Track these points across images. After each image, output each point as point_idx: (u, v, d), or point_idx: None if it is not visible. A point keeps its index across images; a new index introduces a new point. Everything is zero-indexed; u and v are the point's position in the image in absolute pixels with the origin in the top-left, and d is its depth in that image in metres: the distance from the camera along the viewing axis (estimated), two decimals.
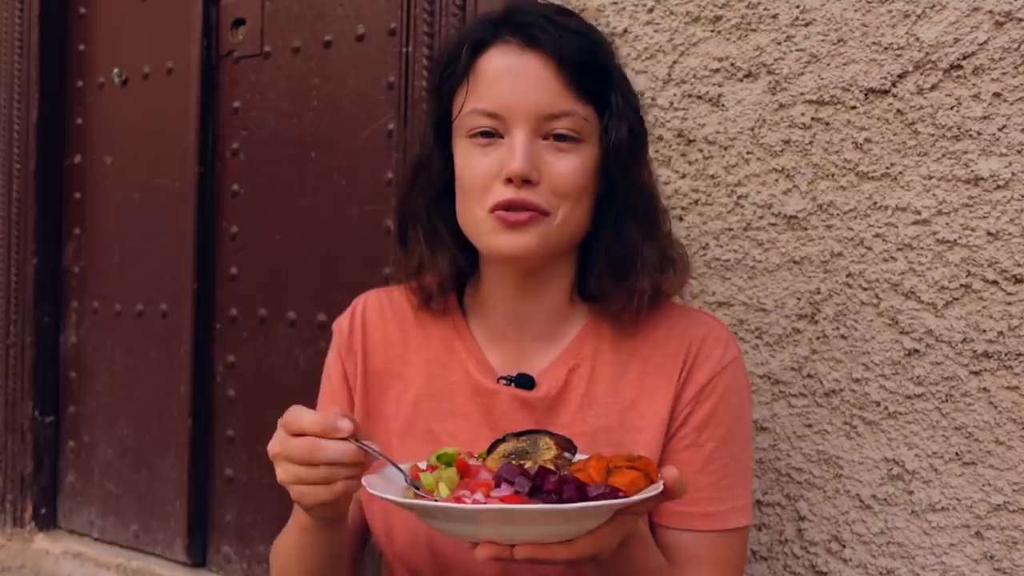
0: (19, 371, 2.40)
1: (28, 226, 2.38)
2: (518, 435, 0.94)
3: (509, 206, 1.00)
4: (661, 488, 0.84)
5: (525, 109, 1.01)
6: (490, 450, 0.94)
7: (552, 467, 0.87)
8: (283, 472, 0.90)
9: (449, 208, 1.10)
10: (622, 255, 1.08)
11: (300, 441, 0.88)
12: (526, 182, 1.00)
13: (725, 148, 1.41)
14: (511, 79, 1.02)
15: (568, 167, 1.02)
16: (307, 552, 1.06)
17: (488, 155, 1.03)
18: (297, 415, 0.90)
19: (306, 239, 1.99)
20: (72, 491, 2.41)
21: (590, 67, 1.04)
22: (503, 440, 0.94)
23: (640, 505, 0.84)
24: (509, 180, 1.00)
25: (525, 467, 0.85)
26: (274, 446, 0.91)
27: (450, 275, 1.12)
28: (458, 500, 0.83)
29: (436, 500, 0.84)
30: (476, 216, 1.04)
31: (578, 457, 0.94)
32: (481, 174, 1.03)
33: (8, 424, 2.42)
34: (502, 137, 1.03)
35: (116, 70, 2.30)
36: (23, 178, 2.38)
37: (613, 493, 0.81)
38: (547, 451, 0.91)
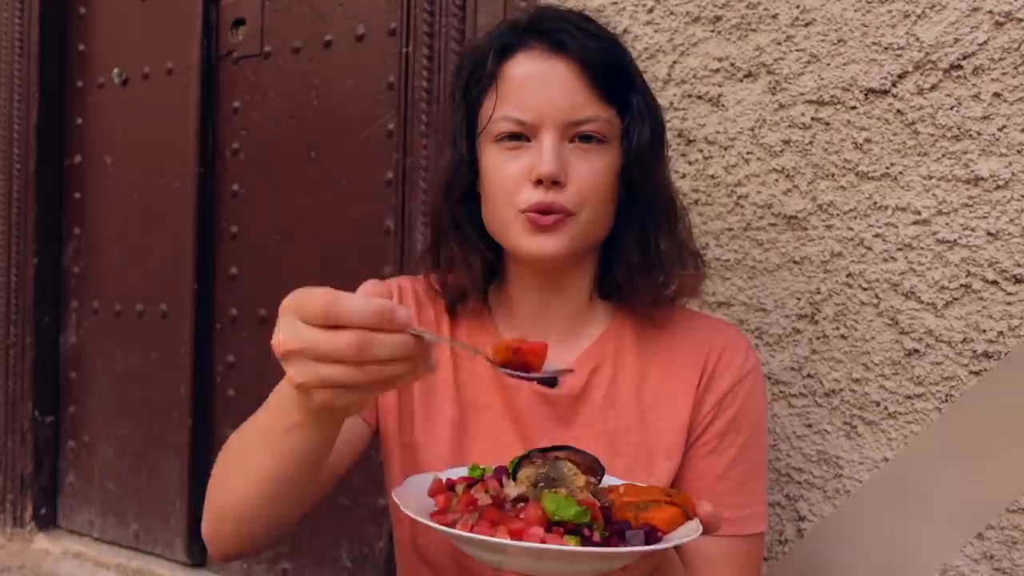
0: (19, 371, 2.40)
1: (28, 226, 2.38)
2: (543, 451, 0.91)
3: (540, 209, 1.02)
4: (700, 531, 0.85)
5: (553, 114, 1.03)
6: (515, 469, 0.89)
7: (589, 495, 0.84)
8: (307, 373, 0.71)
9: (475, 210, 1.12)
10: (646, 254, 1.10)
11: (346, 335, 0.69)
12: (555, 183, 1.02)
13: (725, 148, 1.41)
14: (539, 85, 1.04)
15: (593, 168, 1.04)
16: (290, 458, 0.84)
17: (517, 158, 1.05)
18: (335, 301, 0.70)
19: (306, 239, 1.98)
20: (72, 491, 2.41)
21: (614, 70, 1.06)
22: (528, 457, 0.90)
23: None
24: (539, 182, 1.02)
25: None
26: (291, 341, 0.71)
27: (482, 275, 1.14)
28: (489, 531, 0.78)
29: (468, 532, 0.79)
30: (505, 218, 1.06)
31: (607, 480, 0.94)
32: (511, 177, 1.05)
33: (8, 424, 2.42)
34: (529, 140, 1.05)
35: (116, 70, 2.30)
36: (23, 178, 2.37)
37: (653, 536, 0.80)
38: (575, 478, 0.88)
